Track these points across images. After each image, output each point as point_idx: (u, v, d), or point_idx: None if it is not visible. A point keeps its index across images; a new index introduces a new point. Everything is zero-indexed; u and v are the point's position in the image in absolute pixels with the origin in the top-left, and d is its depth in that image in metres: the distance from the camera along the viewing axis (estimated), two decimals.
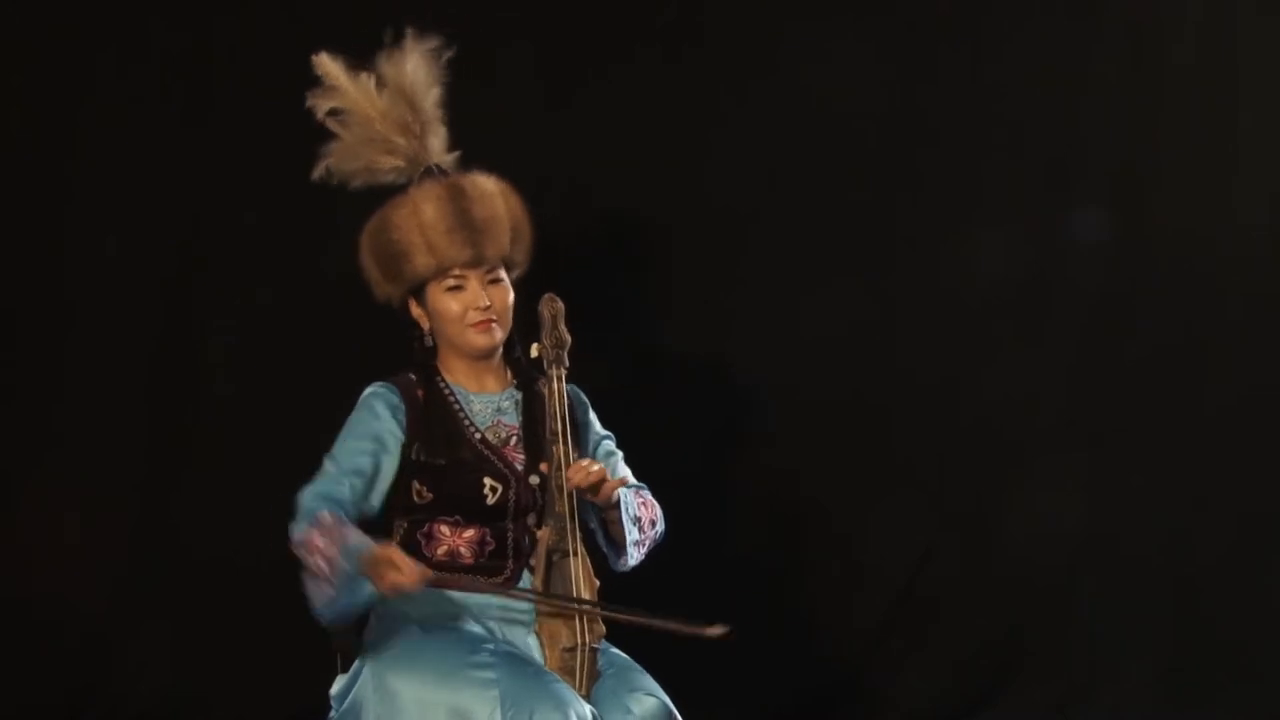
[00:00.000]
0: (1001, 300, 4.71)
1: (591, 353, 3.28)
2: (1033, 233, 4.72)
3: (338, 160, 3.28)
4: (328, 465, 3.13)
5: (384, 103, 3.26)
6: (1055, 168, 4.72)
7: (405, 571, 2.91)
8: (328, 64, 3.28)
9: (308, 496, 3.08)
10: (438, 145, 3.30)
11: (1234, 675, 4.66)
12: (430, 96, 3.29)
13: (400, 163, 3.27)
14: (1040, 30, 4.71)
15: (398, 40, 3.31)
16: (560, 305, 3.19)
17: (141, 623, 4.47)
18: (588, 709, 2.96)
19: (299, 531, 3.00)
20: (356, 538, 2.96)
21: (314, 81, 3.33)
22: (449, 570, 3.12)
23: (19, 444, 4.44)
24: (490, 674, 2.95)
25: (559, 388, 3.15)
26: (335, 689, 3.15)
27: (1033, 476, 4.70)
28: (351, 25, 4.39)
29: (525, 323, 3.27)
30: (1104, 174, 4.73)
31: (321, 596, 2.96)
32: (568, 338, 3.18)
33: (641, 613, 3.04)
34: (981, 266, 4.66)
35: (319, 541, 2.94)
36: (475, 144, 3.39)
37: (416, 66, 3.28)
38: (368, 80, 3.28)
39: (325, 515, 2.99)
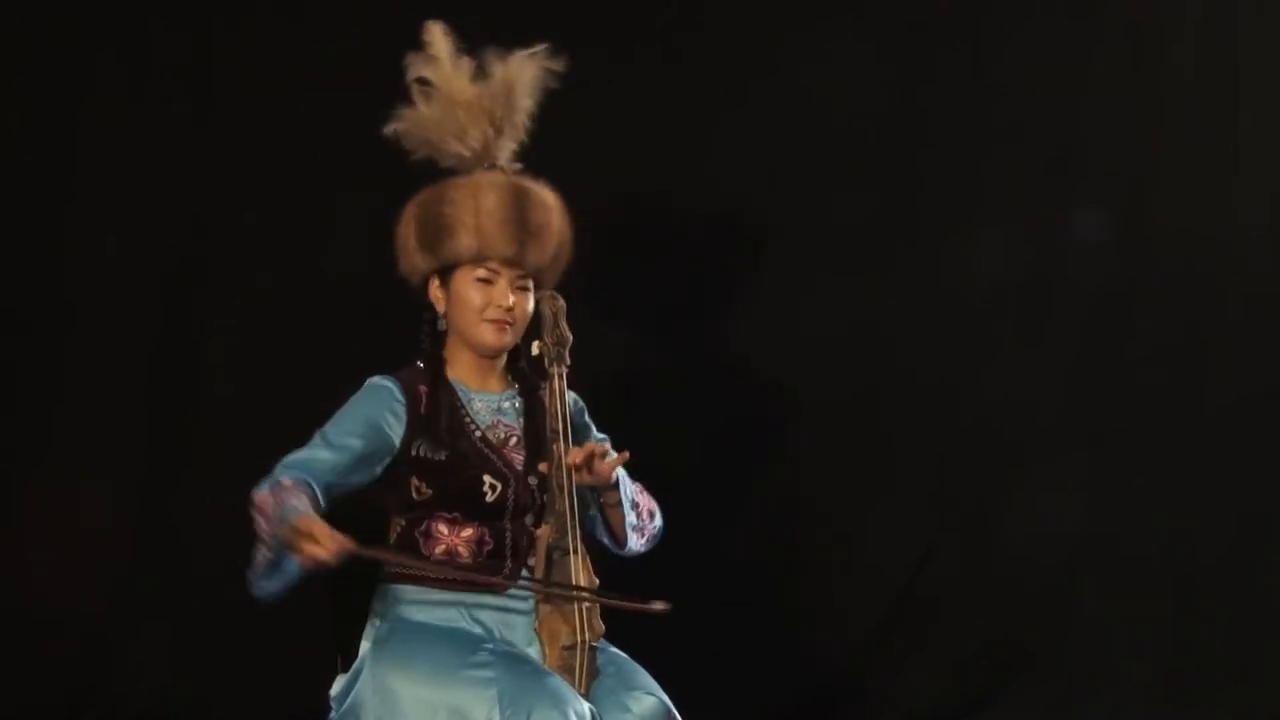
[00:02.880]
0: (1001, 300, 4.72)
1: (591, 352, 3.27)
2: (1033, 233, 4.73)
3: (408, 127, 3.25)
4: (315, 437, 3.12)
5: (474, 92, 3.24)
6: (1055, 168, 4.73)
7: (322, 543, 2.81)
8: (437, 34, 3.25)
9: (283, 461, 3.06)
10: (508, 152, 3.29)
11: (1234, 675, 4.66)
12: (523, 106, 3.28)
13: (466, 153, 3.24)
14: (1040, 30, 4.71)
15: (512, 43, 3.29)
16: (562, 303, 3.19)
17: (141, 623, 4.47)
18: (586, 707, 2.96)
19: (259, 491, 2.98)
20: (295, 505, 2.90)
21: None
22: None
23: (19, 444, 4.44)
24: (488, 673, 2.95)
25: (560, 385, 3.14)
26: (335, 689, 3.15)
27: (1033, 476, 4.70)
28: (352, 26, 4.42)
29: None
30: (1104, 174, 4.73)
31: (258, 562, 2.96)
32: (569, 335, 3.17)
33: (586, 589, 3.04)
34: (981, 266, 4.67)
35: (267, 506, 2.93)
36: None
37: (523, 73, 3.27)
38: (468, 65, 3.26)
39: (285, 480, 2.98)
